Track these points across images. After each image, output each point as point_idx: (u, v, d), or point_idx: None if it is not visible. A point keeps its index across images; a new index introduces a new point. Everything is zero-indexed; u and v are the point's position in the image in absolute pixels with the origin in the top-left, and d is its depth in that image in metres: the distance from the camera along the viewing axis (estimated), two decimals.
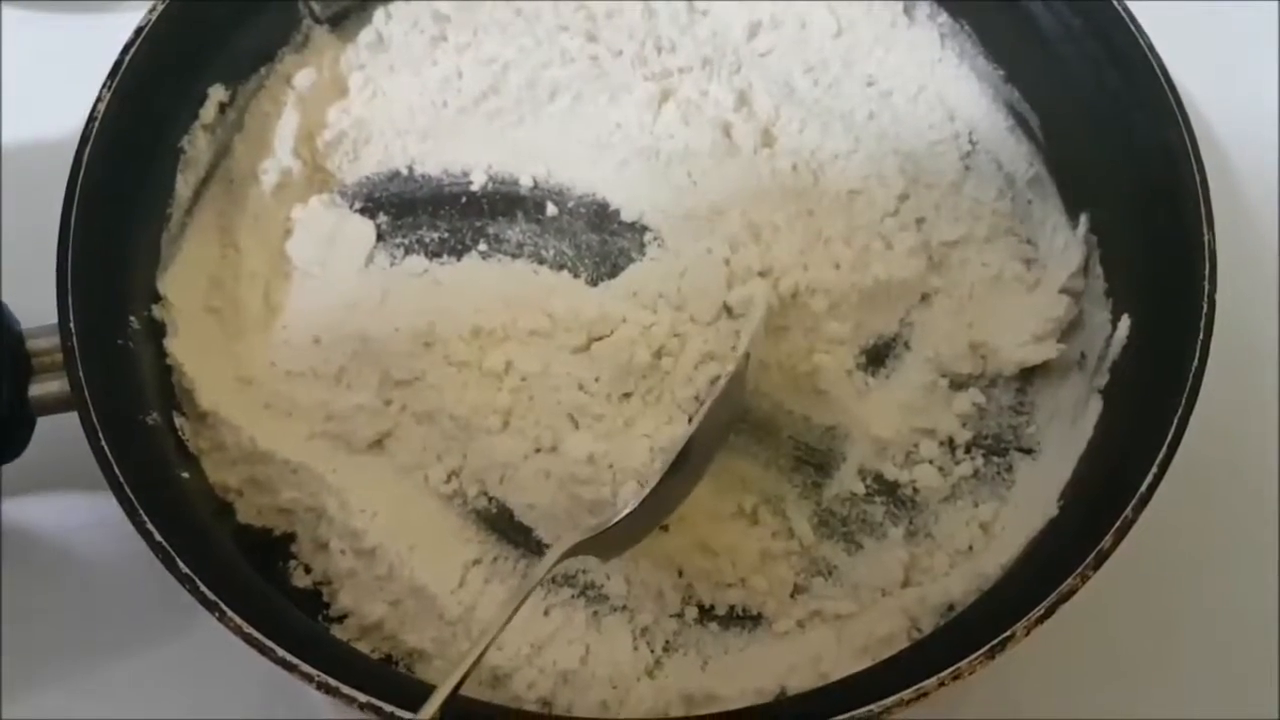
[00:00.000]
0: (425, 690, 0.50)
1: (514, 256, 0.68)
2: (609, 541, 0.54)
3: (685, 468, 0.55)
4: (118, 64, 0.60)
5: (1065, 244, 0.67)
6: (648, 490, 0.54)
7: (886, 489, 0.63)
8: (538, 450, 0.61)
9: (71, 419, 0.53)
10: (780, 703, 0.54)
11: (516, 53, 0.70)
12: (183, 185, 0.64)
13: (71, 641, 0.62)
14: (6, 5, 0.77)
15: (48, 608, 0.63)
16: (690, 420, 0.58)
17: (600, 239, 0.68)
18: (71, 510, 0.64)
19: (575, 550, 0.53)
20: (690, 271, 0.65)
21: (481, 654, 0.48)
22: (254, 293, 0.66)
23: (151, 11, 0.61)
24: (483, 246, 0.69)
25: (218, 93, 0.66)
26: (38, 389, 0.56)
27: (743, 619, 0.60)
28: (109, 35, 0.61)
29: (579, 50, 0.70)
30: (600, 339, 0.63)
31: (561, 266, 0.68)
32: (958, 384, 0.65)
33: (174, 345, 0.61)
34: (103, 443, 0.52)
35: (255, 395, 0.63)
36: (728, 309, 0.63)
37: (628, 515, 0.53)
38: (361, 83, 0.71)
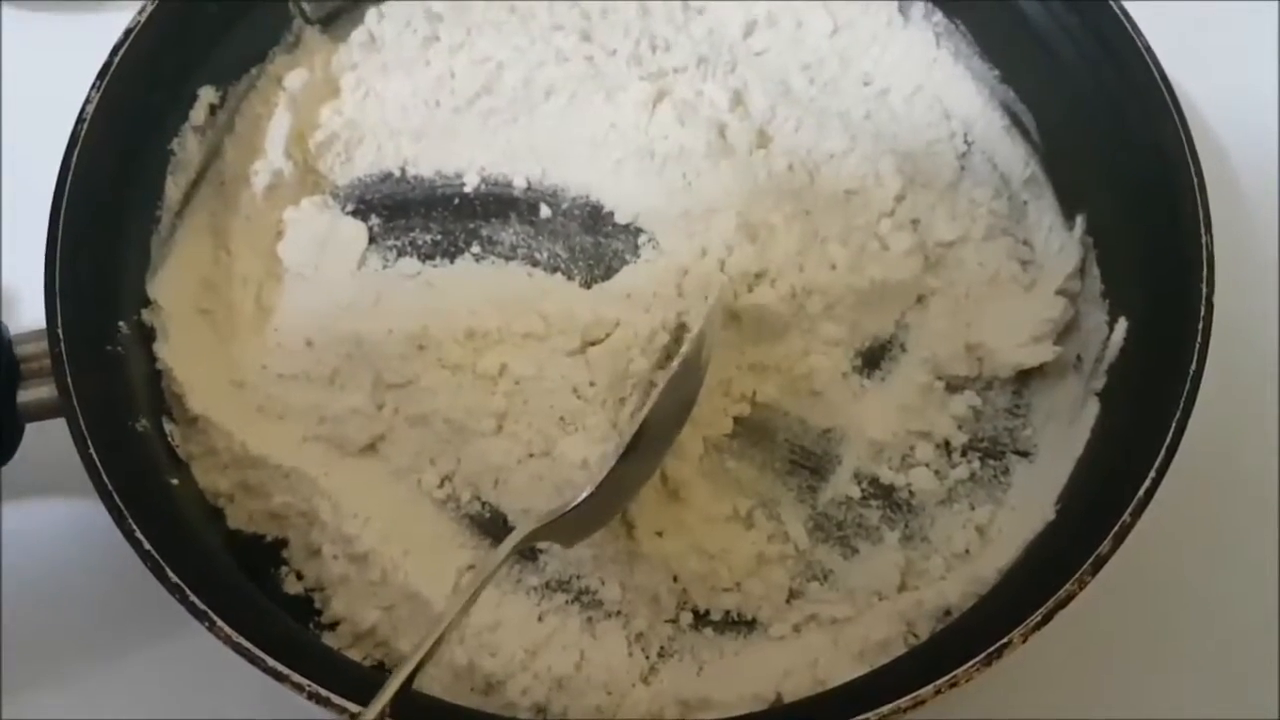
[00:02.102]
0: (418, 699, 0.50)
1: (507, 259, 0.68)
2: (568, 527, 0.54)
3: (640, 452, 0.55)
4: (106, 65, 0.59)
5: (1061, 245, 0.66)
6: (602, 476, 0.53)
7: (882, 492, 0.63)
8: (531, 455, 0.60)
9: (60, 425, 0.53)
10: (776, 710, 0.54)
11: (510, 52, 0.70)
12: (173, 187, 0.64)
13: (69, 646, 0.62)
14: (6, 5, 0.76)
15: (41, 612, 0.62)
16: (642, 406, 0.57)
17: (594, 241, 0.68)
18: (63, 516, 0.64)
19: (533, 537, 0.53)
20: (685, 273, 0.64)
21: (435, 645, 0.48)
22: (246, 295, 0.65)
23: (141, 12, 0.61)
24: (476, 248, 0.68)
25: (208, 94, 0.65)
26: (26, 395, 0.56)
27: (738, 624, 0.60)
28: (104, 35, 0.60)
29: (573, 49, 0.70)
30: (595, 343, 0.62)
31: (555, 269, 0.68)
32: (954, 386, 0.65)
33: (164, 350, 0.61)
34: (91, 449, 0.51)
35: (247, 399, 0.63)
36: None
37: (583, 501, 0.53)
38: (354, 83, 0.70)
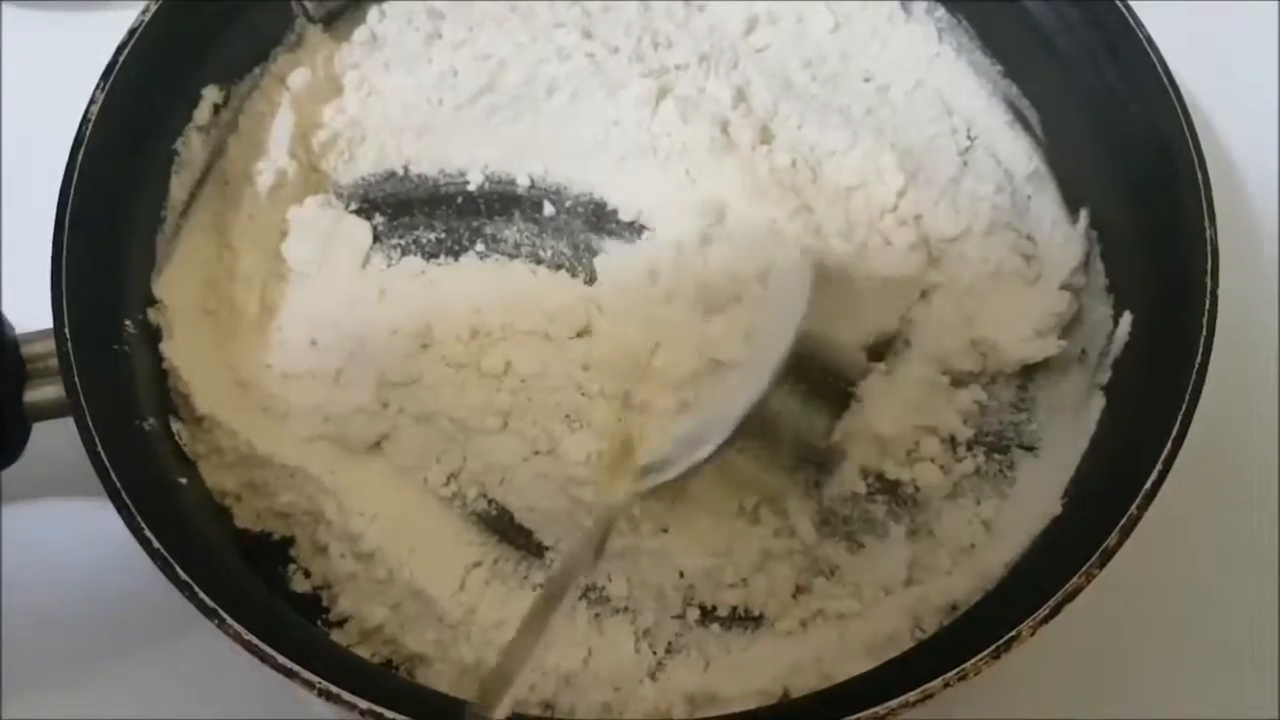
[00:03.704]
0: (427, 694, 0.50)
1: (511, 256, 0.68)
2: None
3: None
4: (110, 65, 0.59)
5: (1065, 239, 0.66)
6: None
7: (888, 487, 0.63)
8: (536, 452, 0.60)
9: (67, 424, 0.53)
10: (784, 705, 0.54)
11: (512, 50, 0.70)
12: (177, 187, 0.64)
13: (72, 644, 0.62)
14: (6, 4, 0.76)
15: (48, 611, 0.62)
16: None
17: (598, 238, 0.68)
18: (69, 516, 0.64)
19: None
20: (688, 269, 0.64)
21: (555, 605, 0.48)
22: (250, 295, 0.65)
23: (145, 11, 0.61)
24: (480, 246, 0.68)
25: (211, 93, 0.65)
26: (33, 394, 0.56)
27: (745, 619, 0.60)
28: (108, 34, 0.60)
29: (575, 47, 0.70)
30: (599, 339, 0.62)
31: (559, 266, 0.68)
32: (959, 381, 0.65)
33: (170, 349, 0.61)
34: (99, 448, 0.51)
35: (252, 398, 0.63)
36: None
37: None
38: (356, 82, 0.70)
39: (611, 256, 0.67)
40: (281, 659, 0.47)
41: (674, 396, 0.60)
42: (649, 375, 0.61)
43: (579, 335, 0.63)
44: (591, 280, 0.67)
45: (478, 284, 0.67)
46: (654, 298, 0.63)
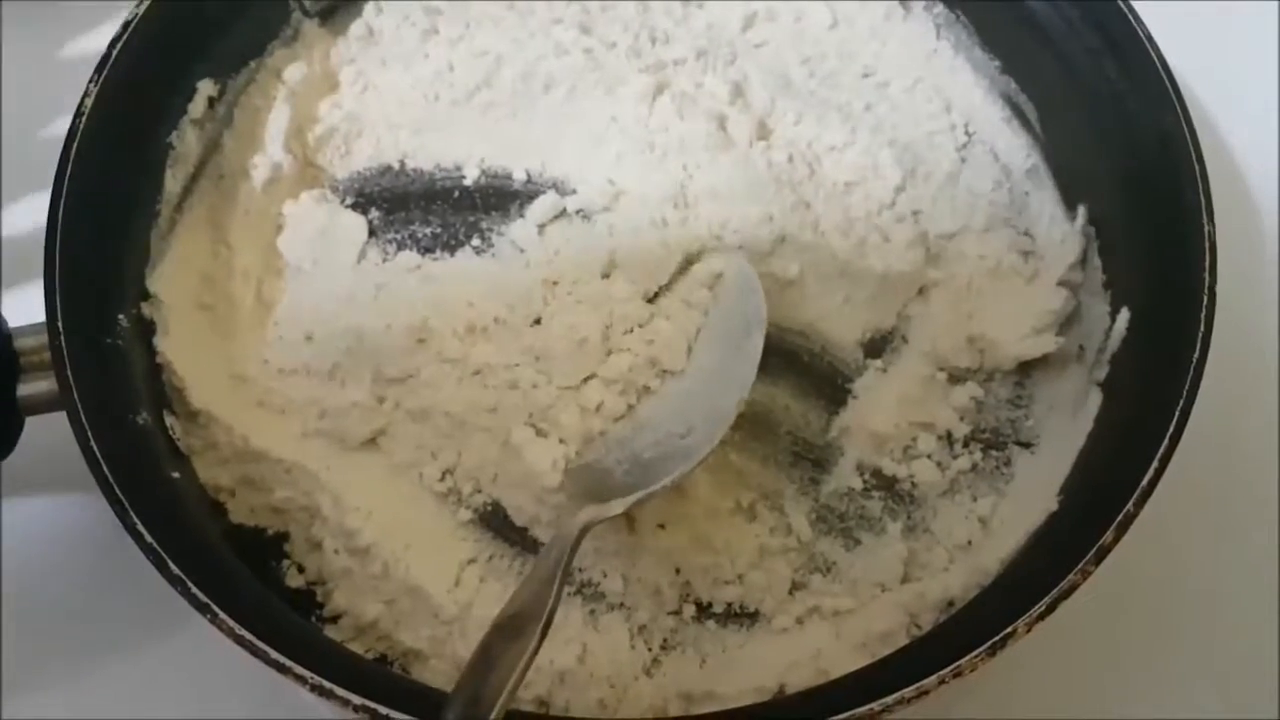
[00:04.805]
0: (421, 691, 0.50)
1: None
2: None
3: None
4: (105, 58, 0.59)
5: (1063, 236, 0.66)
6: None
7: (884, 484, 0.63)
8: (530, 448, 0.60)
9: (60, 419, 0.52)
10: (779, 702, 0.54)
11: (509, 45, 0.70)
12: (172, 181, 0.64)
13: (70, 642, 0.62)
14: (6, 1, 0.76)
15: (41, 606, 0.62)
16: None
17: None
18: (63, 511, 0.64)
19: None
20: (687, 265, 0.64)
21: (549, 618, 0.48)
22: (245, 289, 0.65)
23: (139, 4, 0.61)
24: (476, 242, 0.68)
25: (207, 87, 0.65)
26: (26, 389, 0.55)
27: (741, 616, 0.60)
28: (103, 27, 0.60)
29: (573, 43, 0.70)
30: (595, 335, 0.62)
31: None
32: (956, 377, 0.65)
33: (164, 343, 0.61)
34: (92, 443, 0.51)
35: (247, 393, 0.63)
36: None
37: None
38: (352, 76, 0.70)
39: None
40: (275, 655, 0.47)
41: (621, 400, 0.60)
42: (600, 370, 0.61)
43: (575, 331, 0.63)
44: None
45: (474, 279, 0.66)
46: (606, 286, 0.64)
